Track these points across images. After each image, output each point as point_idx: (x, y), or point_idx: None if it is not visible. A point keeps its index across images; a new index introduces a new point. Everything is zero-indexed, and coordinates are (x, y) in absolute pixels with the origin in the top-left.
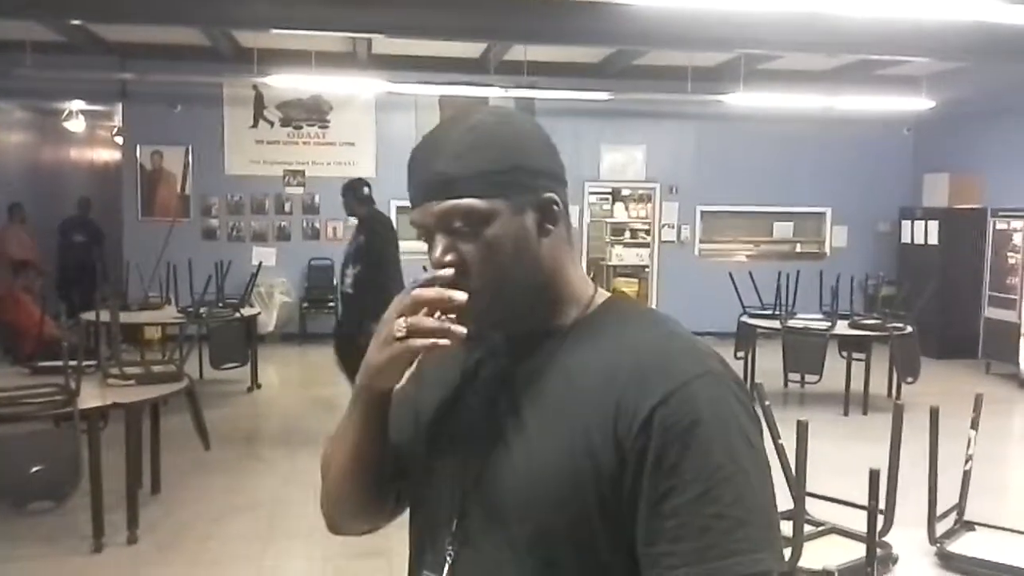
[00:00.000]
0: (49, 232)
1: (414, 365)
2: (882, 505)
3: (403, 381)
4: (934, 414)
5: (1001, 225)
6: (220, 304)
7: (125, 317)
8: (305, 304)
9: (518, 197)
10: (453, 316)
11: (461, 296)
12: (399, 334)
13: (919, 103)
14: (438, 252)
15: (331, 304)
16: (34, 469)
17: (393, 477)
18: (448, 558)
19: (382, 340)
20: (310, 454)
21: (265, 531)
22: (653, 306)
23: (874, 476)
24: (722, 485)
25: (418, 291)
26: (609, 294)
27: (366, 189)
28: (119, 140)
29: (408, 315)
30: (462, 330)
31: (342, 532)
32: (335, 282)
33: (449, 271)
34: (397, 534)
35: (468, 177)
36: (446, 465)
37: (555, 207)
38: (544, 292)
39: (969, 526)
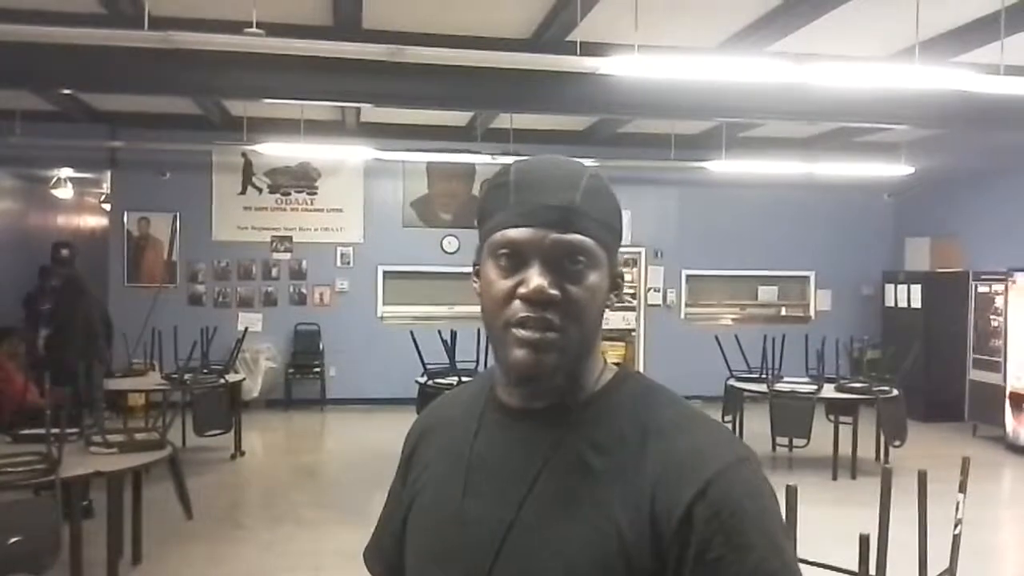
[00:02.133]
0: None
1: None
2: (872, 571)
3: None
4: (922, 477)
5: (983, 288)
6: (205, 370)
7: (109, 384)
8: (291, 370)
9: (612, 258)
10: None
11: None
12: None
13: (899, 169)
14: (543, 280)
15: (317, 369)
16: (12, 540)
17: None
18: None
19: None
20: (292, 525)
21: None
22: (641, 370)
23: (864, 541)
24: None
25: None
26: (614, 367)
27: (63, 251)
28: (107, 207)
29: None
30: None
31: None
32: (321, 347)
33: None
34: None
35: (594, 219)
36: (459, 562)
37: (621, 281)
38: (588, 359)
39: None
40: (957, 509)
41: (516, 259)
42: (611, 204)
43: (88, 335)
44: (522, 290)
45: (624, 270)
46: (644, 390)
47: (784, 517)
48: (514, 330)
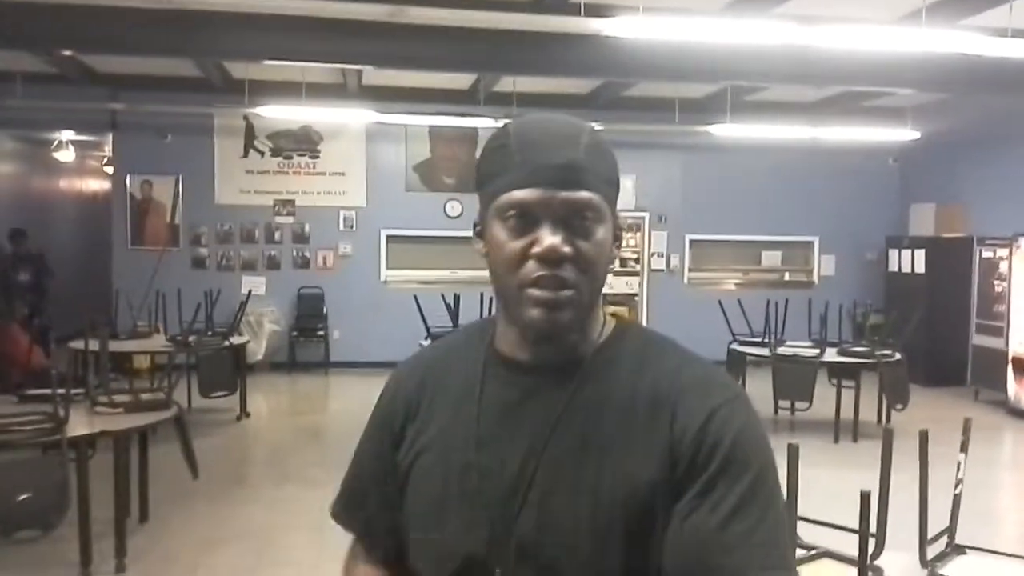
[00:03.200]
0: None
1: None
2: (873, 528)
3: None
4: (923, 437)
5: (987, 253)
6: (209, 333)
7: (114, 346)
8: (294, 333)
9: (614, 211)
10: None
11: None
12: None
13: (904, 134)
14: (556, 239)
15: (320, 333)
16: (21, 497)
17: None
18: None
19: None
20: (297, 484)
21: (253, 561)
22: None
23: (865, 498)
24: (758, 503)
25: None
26: (613, 319)
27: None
28: (109, 170)
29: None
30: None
31: None
32: (324, 311)
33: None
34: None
35: (598, 175)
36: (481, 510)
37: (621, 233)
38: (595, 310)
39: (960, 549)
40: (958, 469)
41: (525, 220)
42: (611, 159)
43: None
44: (535, 250)
45: (627, 234)
46: (647, 339)
47: (786, 476)
48: (529, 290)
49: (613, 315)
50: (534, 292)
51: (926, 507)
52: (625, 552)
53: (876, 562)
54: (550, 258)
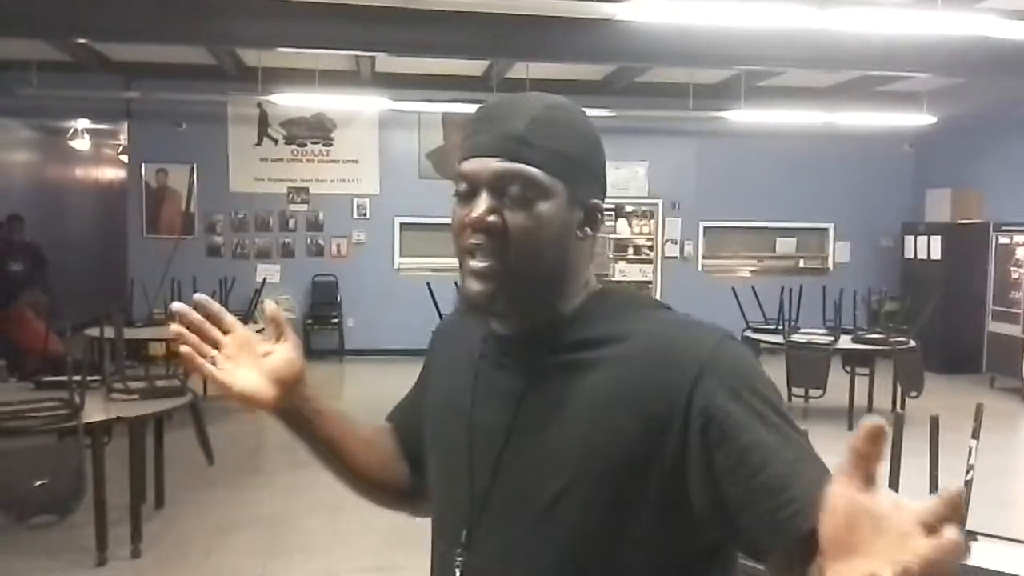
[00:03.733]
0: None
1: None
2: None
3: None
4: (934, 423)
5: (1004, 240)
6: None
7: (129, 333)
8: (309, 321)
9: (575, 189)
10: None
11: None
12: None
13: (920, 119)
14: (481, 209)
15: (335, 320)
16: (38, 483)
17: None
18: (464, 542)
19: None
20: (311, 470)
21: (267, 546)
22: None
23: None
24: (782, 433)
25: None
26: (599, 285)
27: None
28: (124, 158)
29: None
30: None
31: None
32: (338, 299)
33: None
34: (404, 551)
35: (542, 148)
36: (464, 456)
37: (599, 214)
38: (557, 288)
39: (972, 536)
40: (969, 455)
41: (470, 190)
42: (568, 133)
43: None
44: (466, 219)
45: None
46: (625, 299)
47: None
48: (467, 260)
49: (602, 282)
50: (469, 261)
51: (937, 493)
52: (601, 515)
53: None
54: (476, 226)
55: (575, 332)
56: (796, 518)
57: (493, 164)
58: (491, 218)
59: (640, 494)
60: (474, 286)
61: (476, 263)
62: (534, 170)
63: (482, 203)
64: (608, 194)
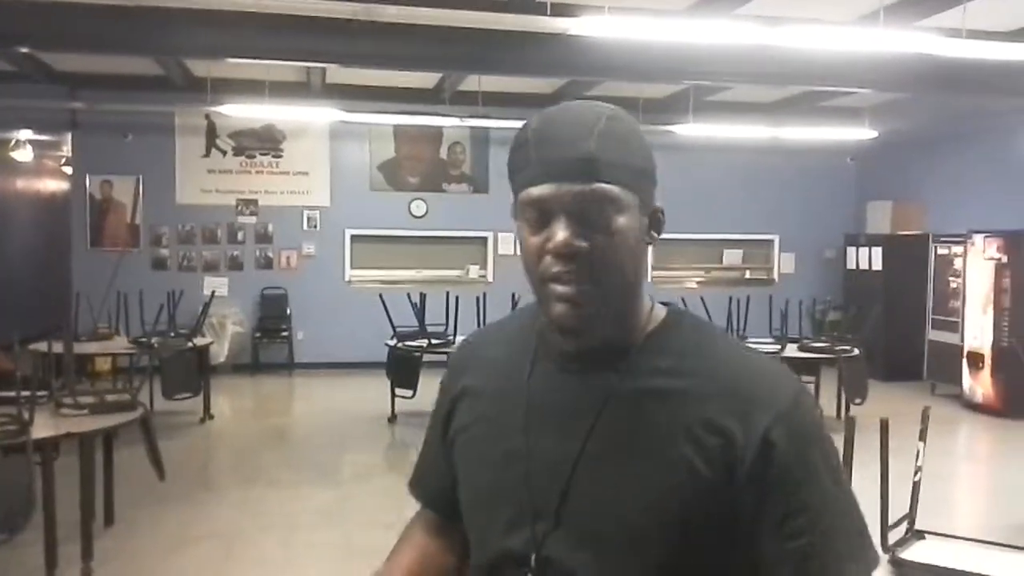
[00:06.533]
0: None
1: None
2: None
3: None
4: (884, 425)
5: (943, 251)
6: (172, 334)
7: (75, 348)
8: (258, 334)
9: (644, 197)
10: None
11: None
12: None
13: (862, 133)
14: (566, 235)
15: (284, 333)
16: None
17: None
18: (533, 567)
19: None
20: (264, 485)
21: (220, 562)
22: None
23: None
24: (837, 503)
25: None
26: (663, 306)
27: None
28: (68, 170)
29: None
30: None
31: None
32: (288, 311)
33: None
34: (359, 568)
35: (615, 164)
36: (520, 481)
37: (661, 215)
38: (634, 300)
39: (919, 535)
40: (917, 456)
41: (543, 215)
42: (632, 143)
43: None
44: (549, 245)
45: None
46: (699, 329)
47: None
48: (551, 285)
49: (664, 304)
50: (555, 287)
51: (887, 493)
52: (667, 554)
53: None
54: (563, 252)
55: (650, 358)
56: None
57: (574, 188)
58: (580, 242)
59: (705, 535)
60: (568, 312)
61: (566, 289)
62: (614, 188)
63: (563, 228)
64: None
